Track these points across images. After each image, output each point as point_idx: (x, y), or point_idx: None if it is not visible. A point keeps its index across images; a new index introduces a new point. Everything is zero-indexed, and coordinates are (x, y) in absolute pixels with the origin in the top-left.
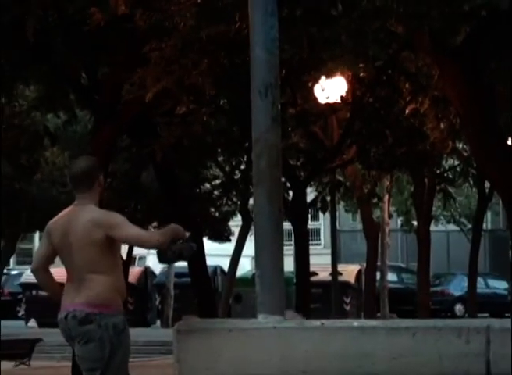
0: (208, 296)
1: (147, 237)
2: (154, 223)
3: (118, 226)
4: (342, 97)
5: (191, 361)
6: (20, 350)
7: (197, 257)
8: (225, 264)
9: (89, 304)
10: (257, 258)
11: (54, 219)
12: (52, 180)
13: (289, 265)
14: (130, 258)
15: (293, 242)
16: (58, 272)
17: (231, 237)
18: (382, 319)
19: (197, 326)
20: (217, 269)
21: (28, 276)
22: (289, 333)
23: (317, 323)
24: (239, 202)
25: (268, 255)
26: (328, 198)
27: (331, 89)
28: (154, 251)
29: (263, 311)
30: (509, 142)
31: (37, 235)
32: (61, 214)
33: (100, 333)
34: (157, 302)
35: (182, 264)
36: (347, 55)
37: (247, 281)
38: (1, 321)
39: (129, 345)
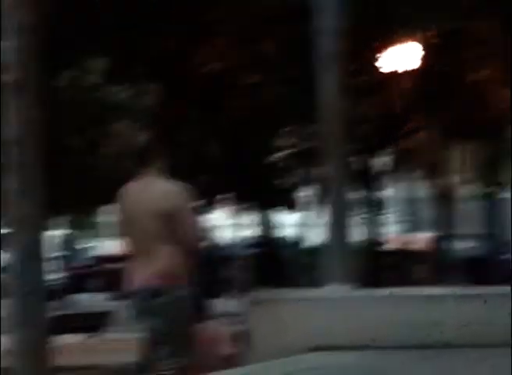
0: (278, 267)
1: (193, 237)
2: (224, 194)
3: (181, 210)
4: (409, 65)
5: (263, 332)
6: (92, 322)
7: (268, 227)
8: (295, 233)
9: (160, 276)
10: (326, 227)
11: (126, 187)
12: (121, 154)
13: (360, 234)
14: None
15: (364, 211)
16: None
17: (299, 207)
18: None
19: (267, 296)
20: (287, 238)
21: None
22: (357, 302)
23: (385, 291)
24: (307, 172)
25: (336, 225)
26: (397, 167)
27: (400, 56)
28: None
29: (331, 280)
30: None
31: (105, 209)
32: (132, 183)
33: (171, 305)
34: (228, 273)
35: (251, 235)
36: (417, 21)
37: (317, 251)
38: (75, 295)
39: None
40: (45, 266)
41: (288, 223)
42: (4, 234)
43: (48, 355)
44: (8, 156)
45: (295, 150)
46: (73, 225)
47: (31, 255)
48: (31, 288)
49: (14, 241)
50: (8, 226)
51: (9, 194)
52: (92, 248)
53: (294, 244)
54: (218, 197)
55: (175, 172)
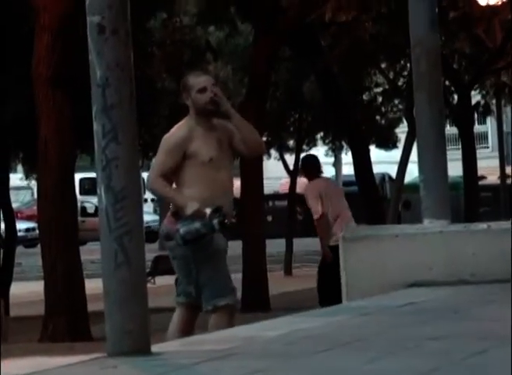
0: (376, 203)
1: (153, 179)
2: (321, 133)
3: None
4: None
5: (358, 268)
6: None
7: (364, 165)
8: (393, 171)
9: (170, 219)
10: (421, 162)
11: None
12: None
13: (457, 169)
14: (297, 169)
15: (460, 146)
16: None
17: (398, 144)
18: None
19: (362, 233)
20: (385, 176)
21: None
22: (455, 236)
23: (483, 225)
24: (404, 108)
25: (431, 159)
26: (494, 101)
27: None
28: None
29: (429, 216)
30: None
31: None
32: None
33: (180, 249)
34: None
35: (349, 172)
36: None
37: (416, 187)
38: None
39: (219, 250)
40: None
41: (387, 159)
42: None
43: (145, 297)
44: (98, 99)
45: (390, 86)
46: None
47: (126, 196)
48: (127, 230)
49: (107, 182)
50: (99, 168)
51: (99, 135)
52: None
53: (393, 180)
54: (317, 134)
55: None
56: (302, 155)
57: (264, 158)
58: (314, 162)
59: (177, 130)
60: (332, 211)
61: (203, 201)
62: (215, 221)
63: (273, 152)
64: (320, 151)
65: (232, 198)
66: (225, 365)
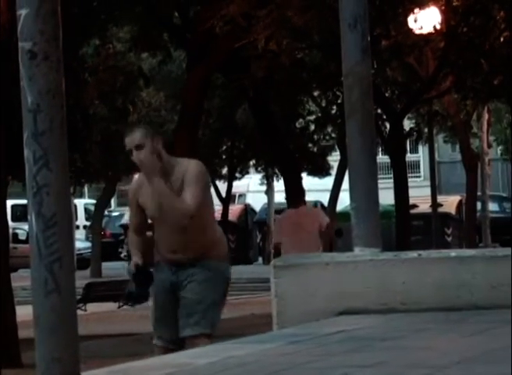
0: None
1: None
2: (253, 160)
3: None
4: (435, 27)
5: (288, 296)
6: (124, 291)
7: (296, 192)
8: (325, 199)
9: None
10: (352, 190)
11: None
12: (149, 121)
13: (389, 198)
14: (230, 197)
15: (392, 175)
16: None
17: (330, 172)
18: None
19: (293, 261)
20: (317, 204)
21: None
22: (386, 265)
23: (414, 254)
24: (336, 136)
25: (362, 188)
26: (426, 130)
27: (424, 19)
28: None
29: (360, 244)
30: None
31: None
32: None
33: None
34: (258, 240)
35: (282, 200)
36: None
37: (348, 215)
38: (104, 263)
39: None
40: (73, 234)
41: (319, 187)
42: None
43: (75, 324)
44: (29, 125)
45: (323, 114)
46: (103, 193)
47: (57, 222)
48: (57, 257)
49: (37, 208)
50: (30, 194)
51: (31, 163)
52: (122, 216)
53: (325, 208)
54: (250, 162)
55: (204, 138)
56: (235, 182)
57: None
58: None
59: (132, 182)
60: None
61: (158, 251)
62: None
63: None
64: (252, 178)
65: (197, 248)
66: None
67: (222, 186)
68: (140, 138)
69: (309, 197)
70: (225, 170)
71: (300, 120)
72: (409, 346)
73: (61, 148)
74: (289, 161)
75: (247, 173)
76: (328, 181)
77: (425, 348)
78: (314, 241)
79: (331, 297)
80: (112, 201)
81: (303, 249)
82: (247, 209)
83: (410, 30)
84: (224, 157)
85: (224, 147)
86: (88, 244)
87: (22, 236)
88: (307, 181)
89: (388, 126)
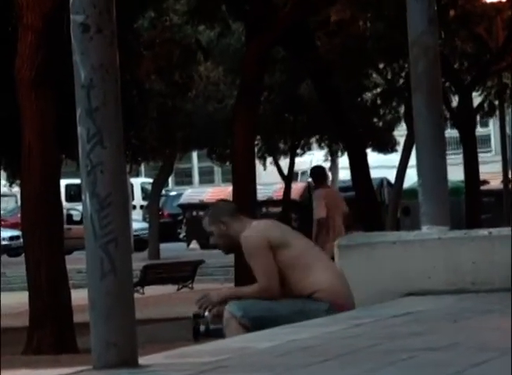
0: (373, 209)
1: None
2: (316, 136)
3: None
4: None
5: (353, 277)
6: (183, 273)
7: (361, 169)
8: (391, 176)
9: None
10: (419, 166)
11: None
12: (207, 96)
13: (458, 174)
14: (292, 174)
15: (461, 150)
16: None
17: (396, 148)
18: None
19: (358, 240)
20: (383, 181)
21: (188, 196)
22: (455, 243)
23: (484, 232)
24: (403, 110)
25: (430, 164)
26: (496, 102)
27: None
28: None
29: (427, 222)
30: None
31: (194, 155)
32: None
33: None
34: None
35: (346, 177)
36: None
37: (415, 193)
38: (162, 244)
39: None
40: (130, 214)
41: (384, 163)
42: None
43: (132, 308)
44: (82, 101)
45: (389, 87)
46: (160, 171)
47: (112, 202)
48: (113, 237)
49: (92, 188)
50: (83, 173)
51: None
52: (179, 195)
53: (392, 186)
54: (312, 138)
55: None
56: (297, 159)
57: (258, 163)
58: (322, 172)
59: None
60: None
61: None
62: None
63: (267, 157)
64: (315, 155)
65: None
66: None
67: (284, 163)
68: (208, 227)
69: (374, 174)
70: (287, 146)
71: (365, 94)
72: (477, 327)
73: (115, 124)
74: (353, 136)
75: (310, 149)
76: (395, 157)
77: (494, 330)
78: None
79: (397, 277)
80: (170, 180)
81: (340, 229)
82: (310, 187)
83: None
84: (286, 133)
85: (286, 122)
86: (145, 225)
87: (76, 217)
88: (372, 157)
89: (456, 99)
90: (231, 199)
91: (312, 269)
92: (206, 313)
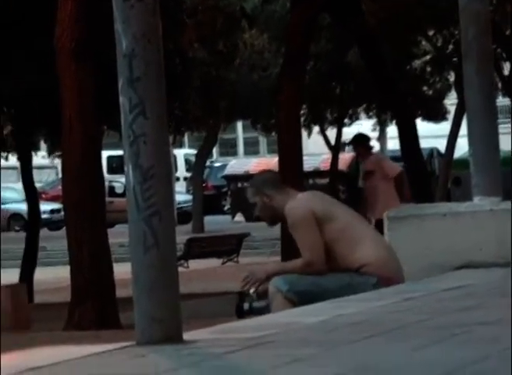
0: (423, 180)
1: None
2: (364, 105)
3: None
4: None
5: (403, 249)
6: (227, 246)
7: (410, 139)
8: (441, 146)
9: None
10: (470, 136)
11: None
12: (252, 65)
13: (509, 144)
14: (339, 144)
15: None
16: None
17: (447, 116)
18: None
19: (408, 212)
20: (433, 151)
21: (232, 168)
22: (507, 215)
23: None
24: (453, 78)
25: (481, 133)
26: None
27: None
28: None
29: (479, 193)
30: None
31: (239, 125)
32: None
33: None
34: None
35: (395, 147)
36: None
37: (466, 163)
38: (207, 216)
39: None
40: (173, 186)
41: (435, 133)
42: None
43: (176, 282)
44: (124, 71)
45: (438, 54)
46: (204, 142)
47: (155, 174)
48: (156, 210)
49: (134, 159)
50: (126, 145)
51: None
52: (224, 167)
53: (442, 156)
54: (360, 107)
55: (310, 83)
56: (345, 129)
57: (305, 133)
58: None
59: None
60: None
61: None
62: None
63: (313, 127)
64: (364, 125)
65: None
66: (261, 353)
67: (331, 133)
68: (251, 198)
69: (424, 144)
70: (334, 116)
71: (414, 62)
72: None
73: (158, 94)
74: (402, 105)
75: (358, 118)
76: (445, 127)
77: None
78: None
79: (448, 250)
80: (214, 151)
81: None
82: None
83: None
84: (333, 102)
85: (332, 91)
86: (189, 197)
87: (119, 189)
88: (422, 127)
89: (508, 66)
90: (277, 170)
91: (359, 242)
92: (251, 291)
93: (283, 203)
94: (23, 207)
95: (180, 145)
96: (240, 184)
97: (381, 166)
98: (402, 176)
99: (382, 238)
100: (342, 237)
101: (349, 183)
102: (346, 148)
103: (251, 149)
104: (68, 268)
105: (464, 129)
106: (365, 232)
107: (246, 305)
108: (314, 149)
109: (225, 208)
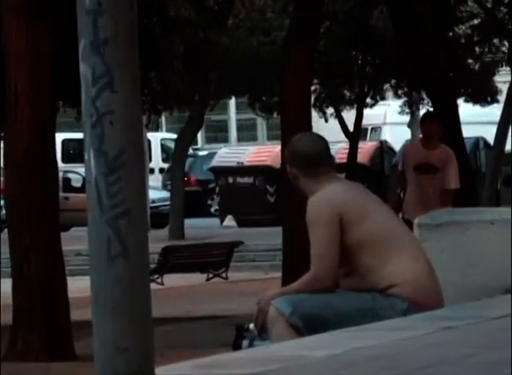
0: (466, 178)
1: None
2: (392, 81)
3: None
4: None
5: (439, 264)
6: (214, 258)
7: (450, 126)
8: (490, 135)
9: None
10: None
11: None
12: (251, 27)
13: None
14: (360, 131)
15: None
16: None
17: (498, 98)
18: None
19: (446, 218)
20: (479, 141)
21: (222, 158)
22: None
23: None
24: (506, 49)
25: None
26: None
27: None
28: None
29: None
30: None
31: (232, 103)
32: None
33: None
34: (398, 189)
35: None
36: None
37: None
38: (188, 219)
39: None
40: (146, 180)
41: (481, 118)
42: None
43: (148, 302)
44: (87, 31)
45: (488, 19)
46: (187, 124)
47: (124, 164)
48: (124, 210)
49: (98, 144)
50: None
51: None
52: (211, 156)
53: (490, 147)
54: (387, 84)
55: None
56: (366, 111)
57: (316, 115)
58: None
59: None
60: None
61: None
62: None
63: (327, 108)
64: (391, 106)
65: None
66: None
67: (350, 116)
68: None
69: (467, 131)
70: (353, 95)
71: (458, 27)
72: None
73: (130, 62)
74: (440, 82)
75: (384, 98)
76: (495, 111)
77: None
78: None
79: (496, 267)
80: (199, 136)
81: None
82: (383, 148)
83: None
84: (353, 76)
85: (353, 63)
86: (166, 195)
87: (76, 182)
88: (466, 110)
89: None
90: (279, 161)
91: (394, 254)
92: (251, 325)
93: (308, 190)
94: None
95: (157, 128)
96: (231, 179)
97: (451, 167)
98: (451, 195)
99: (423, 253)
100: (371, 245)
101: (370, 180)
102: (369, 135)
103: (247, 134)
104: (10, 281)
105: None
106: (404, 242)
107: (245, 343)
108: (328, 136)
109: (213, 209)
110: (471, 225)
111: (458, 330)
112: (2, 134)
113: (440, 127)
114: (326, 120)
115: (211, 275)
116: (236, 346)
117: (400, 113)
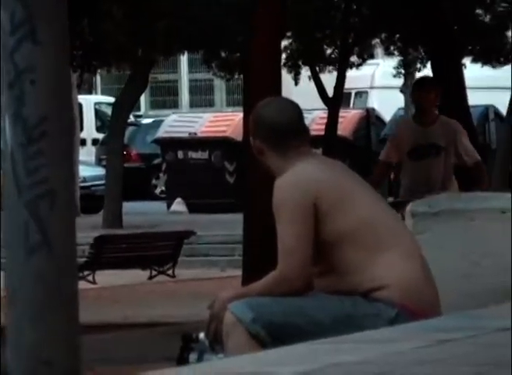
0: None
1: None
2: (382, 35)
3: None
4: None
5: (436, 262)
6: (159, 251)
7: (454, 91)
8: (502, 103)
9: None
10: None
11: None
12: None
13: None
14: (341, 96)
15: None
16: None
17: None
18: None
19: (446, 205)
20: (488, 111)
21: (170, 127)
22: None
23: None
24: None
25: None
26: None
27: None
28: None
29: None
30: None
31: (183, 59)
32: None
33: None
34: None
35: None
36: None
37: None
38: (127, 203)
39: None
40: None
41: (491, 83)
42: None
43: (76, 305)
44: None
45: None
46: (127, 85)
47: (47, 133)
48: (46, 190)
49: (15, 108)
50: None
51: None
52: (157, 124)
53: (503, 119)
54: (376, 39)
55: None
56: (350, 72)
57: (288, 77)
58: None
59: None
60: None
61: None
62: None
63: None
64: (380, 65)
65: None
66: None
67: (329, 78)
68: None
69: (474, 99)
70: (335, 52)
71: None
72: None
73: (57, 7)
74: (442, 37)
75: (372, 56)
76: (508, 74)
77: None
78: None
79: (506, 267)
80: (142, 100)
81: None
82: (370, 117)
83: None
84: (334, 29)
85: (334, 12)
86: (101, 172)
87: None
88: (473, 72)
89: None
90: (241, 133)
91: (382, 250)
92: (201, 335)
93: (276, 169)
94: None
95: (90, 90)
96: (181, 154)
97: (463, 137)
98: (481, 169)
99: (417, 248)
100: (353, 238)
101: (354, 157)
102: (352, 101)
103: (202, 99)
104: None
105: None
106: (395, 235)
107: (192, 357)
108: (302, 103)
109: (158, 190)
110: (477, 214)
111: (457, 343)
112: None
113: (437, 95)
114: (296, 83)
115: (154, 272)
116: (182, 360)
117: (394, 76)
